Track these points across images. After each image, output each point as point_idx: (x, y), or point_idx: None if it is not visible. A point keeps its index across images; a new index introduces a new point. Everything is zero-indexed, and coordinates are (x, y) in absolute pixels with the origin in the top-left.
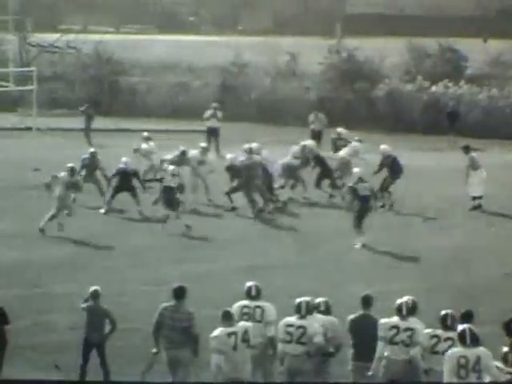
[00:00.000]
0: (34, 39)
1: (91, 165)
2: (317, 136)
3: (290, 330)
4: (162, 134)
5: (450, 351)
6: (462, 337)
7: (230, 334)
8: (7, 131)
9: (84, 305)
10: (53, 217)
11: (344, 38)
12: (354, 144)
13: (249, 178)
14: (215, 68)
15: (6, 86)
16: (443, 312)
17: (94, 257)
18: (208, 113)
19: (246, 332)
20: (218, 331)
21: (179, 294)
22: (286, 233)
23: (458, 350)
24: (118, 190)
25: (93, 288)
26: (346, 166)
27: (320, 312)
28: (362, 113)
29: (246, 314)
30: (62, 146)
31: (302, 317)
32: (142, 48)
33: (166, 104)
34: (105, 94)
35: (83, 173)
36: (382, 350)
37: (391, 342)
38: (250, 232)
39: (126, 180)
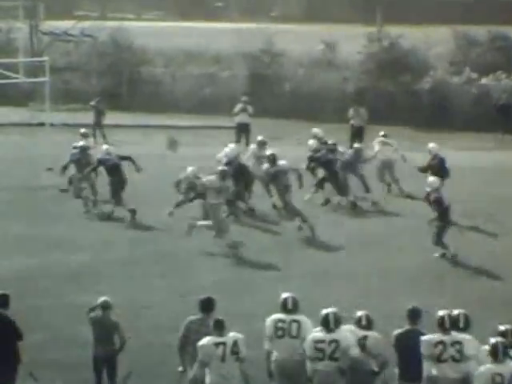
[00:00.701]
0: (47, 27)
1: (81, 160)
2: (357, 133)
3: (321, 346)
4: (186, 131)
5: (482, 368)
6: (494, 352)
7: (218, 344)
8: (18, 127)
9: (91, 315)
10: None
11: (385, 25)
12: (381, 140)
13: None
14: (245, 57)
15: (16, 78)
16: (440, 313)
17: (116, 265)
18: (237, 107)
19: (235, 343)
20: (205, 340)
21: (207, 306)
22: (321, 240)
23: (490, 366)
24: (120, 187)
25: (103, 298)
26: (387, 165)
27: (361, 327)
28: (404, 107)
29: (281, 329)
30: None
31: (331, 330)
32: (165, 36)
33: (190, 97)
34: (124, 86)
35: (72, 171)
36: (430, 370)
37: (439, 359)
38: (285, 239)
39: (121, 174)
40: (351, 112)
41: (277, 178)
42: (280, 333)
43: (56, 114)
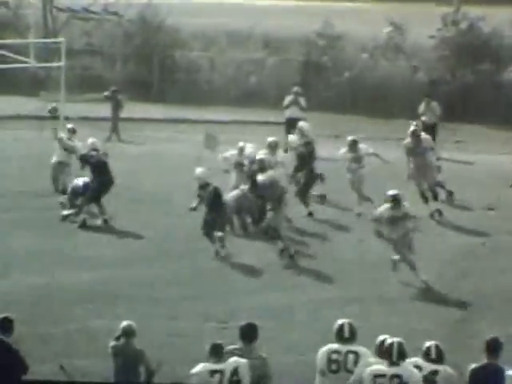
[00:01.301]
0: (63, 2)
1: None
2: (429, 130)
3: (381, 381)
4: (226, 126)
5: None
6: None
7: (214, 372)
8: (27, 120)
9: (113, 344)
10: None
11: (463, 4)
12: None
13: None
14: (297, 41)
15: (26, 63)
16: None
17: (136, 284)
18: (288, 99)
19: (235, 371)
20: (199, 367)
21: (249, 334)
22: (379, 257)
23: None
24: (103, 189)
25: (125, 323)
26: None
27: (430, 360)
28: (485, 100)
29: (335, 362)
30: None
31: (394, 363)
32: (203, 14)
33: (232, 87)
34: (154, 73)
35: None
36: None
37: None
38: (339, 255)
39: (107, 173)
40: (422, 106)
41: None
42: (334, 366)
43: (72, 105)
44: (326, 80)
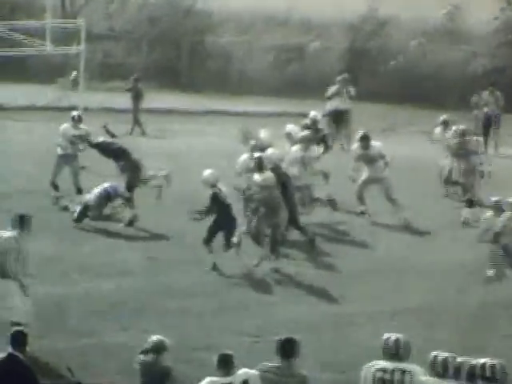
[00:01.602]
0: None
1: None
2: (490, 123)
3: None
4: (263, 119)
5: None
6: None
7: None
8: (43, 111)
9: (141, 359)
10: None
11: None
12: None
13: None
14: (341, 25)
15: (42, 48)
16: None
17: (163, 295)
18: (331, 89)
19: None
20: (205, 381)
21: (288, 349)
22: (428, 265)
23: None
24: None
25: (157, 337)
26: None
27: (487, 380)
28: None
29: (382, 381)
30: (119, 133)
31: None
32: None
33: (269, 76)
34: (183, 60)
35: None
36: None
37: None
38: (388, 262)
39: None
40: (484, 96)
41: None
42: None
43: (92, 94)
44: (373, 68)
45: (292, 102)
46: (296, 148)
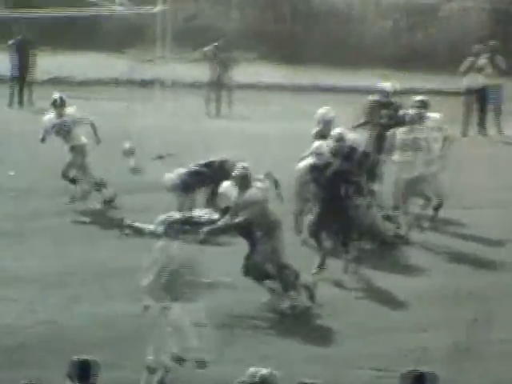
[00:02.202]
0: None
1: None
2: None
3: None
4: None
5: None
6: None
7: None
8: (112, 87)
9: None
10: None
11: None
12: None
13: None
14: None
15: (111, 9)
16: None
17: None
18: (467, 61)
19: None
20: None
21: None
22: None
23: None
24: None
25: (266, 371)
26: None
27: None
28: None
29: None
30: (200, 113)
31: None
32: None
33: (392, 43)
34: (283, 24)
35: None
36: None
37: None
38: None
39: None
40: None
41: None
42: None
43: (175, 66)
44: None
45: (416, 75)
46: (403, 130)
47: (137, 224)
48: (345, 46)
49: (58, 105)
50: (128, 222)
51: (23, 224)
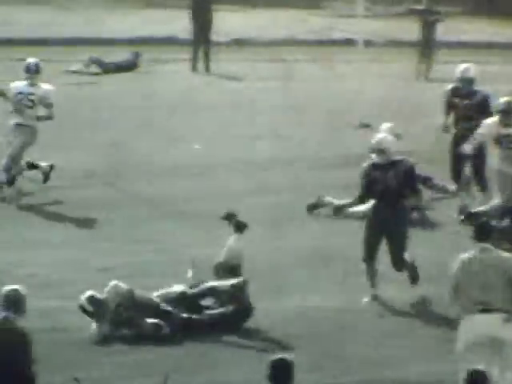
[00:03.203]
0: None
1: None
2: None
3: None
4: None
5: None
6: None
7: None
8: (299, 46)
9: None
10: None
11: None
12: None
13: None
14: None
15: None
16: None
17: None
18: None
19: None
20: None
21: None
22: None
23: None
24: None
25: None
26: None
27: None
28: None
29: None
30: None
31: None
32: None
33: None
34: None
35: None
36: None
37: None
38: None
39: None
40: None
41: None
42: None
43: (373, 22)
44: None
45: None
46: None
47: None
48: None
49: (33, 71)
50: None
51: None
